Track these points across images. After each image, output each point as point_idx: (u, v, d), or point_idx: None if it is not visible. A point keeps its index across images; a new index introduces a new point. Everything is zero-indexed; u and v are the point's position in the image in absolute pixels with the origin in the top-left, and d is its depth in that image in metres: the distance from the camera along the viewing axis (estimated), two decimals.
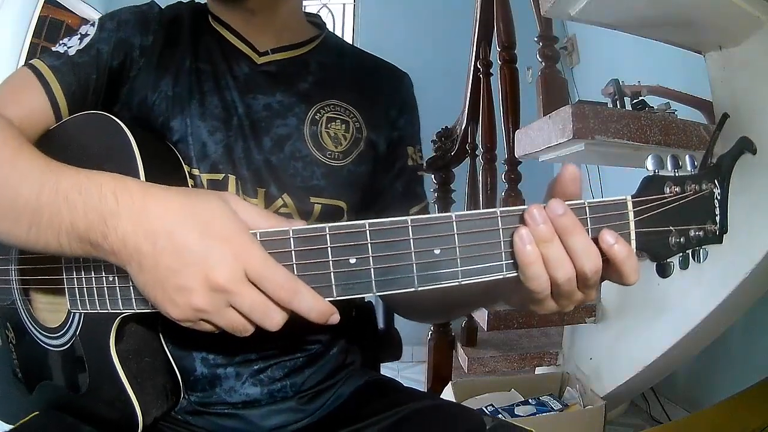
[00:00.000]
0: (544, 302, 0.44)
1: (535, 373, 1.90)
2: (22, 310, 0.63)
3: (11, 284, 0.63)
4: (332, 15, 3.51)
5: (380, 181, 0.71)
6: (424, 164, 0.76)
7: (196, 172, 0.61)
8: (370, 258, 0.41)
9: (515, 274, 0.42)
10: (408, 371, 2.77)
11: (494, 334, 1.88)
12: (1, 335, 0.67)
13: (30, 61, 0.60)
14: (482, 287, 0.54)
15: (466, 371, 1.78)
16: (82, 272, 0.51)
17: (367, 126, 0.69)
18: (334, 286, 0.41)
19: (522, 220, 0.41)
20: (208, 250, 0.39)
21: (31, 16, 2.58)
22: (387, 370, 0.82)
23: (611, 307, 1.60)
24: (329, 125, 0.66)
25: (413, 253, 0.41)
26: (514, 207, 0.42)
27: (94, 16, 3.38)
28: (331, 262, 0.41)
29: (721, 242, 0.45)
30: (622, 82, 1.49)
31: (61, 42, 0.62)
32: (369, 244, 0.41)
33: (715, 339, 1.43)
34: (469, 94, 2.07)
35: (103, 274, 0.49)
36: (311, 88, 0.67)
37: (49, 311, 0.61)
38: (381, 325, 0.89)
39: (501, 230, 0.41)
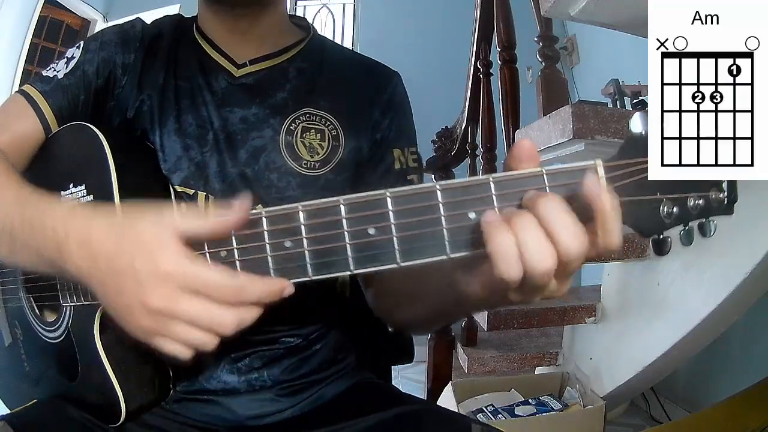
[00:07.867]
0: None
1: (535, 373, 1.91)
2: (26, 308, 0.67)
3: (18, 284, 0.67)
4: (332, 15, 3.52)
5: (366, 182, 0.69)
6: (419, 165, 0.72)
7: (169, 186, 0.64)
8: (345, 233, 0.39)
9: None
10: (408, 371, 2.76)
11: (494, 334, 1.88)
12: (12, 334, 0.71)
13: (22, 87, 0.65)
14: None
15: (466, 371, 1.78)
16: None
17: (346, 132, 0.67)
18: (309, 266, 0.40)
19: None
20: (138, 274, 0.40)
21: (31, 16, 2.58)
22: None
23: (611, 307, 1.60)
24: (304, 135, 0.66)
25: (392, 226, 0.38)
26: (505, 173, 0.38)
27: (94, 16, 3.39)
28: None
29: (731, 213, 0.37)
30: (622, 82, 1.50)
31: (50, 66, 0.67)
32: (344, 220, 0.39)
33: (715, 339, 1.43)
34: (469, 94, 2.06)
35: None
36: (288, 98, 0.67)
37: (50, 307, 0.65)
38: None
39: (494, 196, 0.37)
